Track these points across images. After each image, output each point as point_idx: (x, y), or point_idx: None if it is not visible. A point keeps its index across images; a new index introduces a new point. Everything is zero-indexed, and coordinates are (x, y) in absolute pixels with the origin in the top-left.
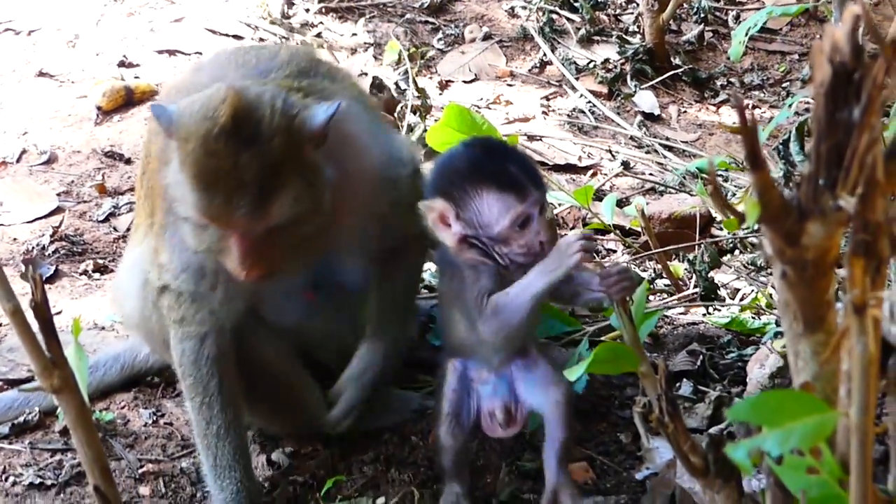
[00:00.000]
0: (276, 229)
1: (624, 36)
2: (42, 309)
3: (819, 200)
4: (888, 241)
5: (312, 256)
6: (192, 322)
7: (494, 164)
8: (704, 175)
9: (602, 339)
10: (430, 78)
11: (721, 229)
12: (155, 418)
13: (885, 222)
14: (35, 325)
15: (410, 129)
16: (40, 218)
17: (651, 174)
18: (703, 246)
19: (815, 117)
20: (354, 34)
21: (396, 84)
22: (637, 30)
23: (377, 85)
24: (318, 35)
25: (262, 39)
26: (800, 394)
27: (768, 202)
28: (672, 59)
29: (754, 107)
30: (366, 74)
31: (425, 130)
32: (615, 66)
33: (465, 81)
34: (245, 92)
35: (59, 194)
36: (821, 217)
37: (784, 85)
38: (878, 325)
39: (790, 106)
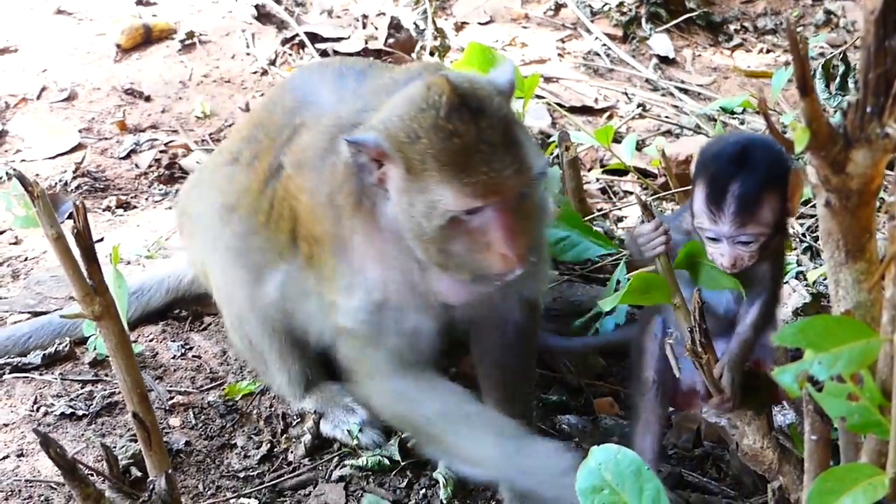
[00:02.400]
0: (523, 201)
1: None
2: (84, 236)
3: (866, 128)
4: None
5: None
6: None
7: (723, 173)
8: (724, 117)
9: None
10: (446, 20)
11: None
12: (183, 351)
13: None
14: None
15: None
16: (62, 154)
17: (667, 117)
18: None
19: (864, 45)
20: None
21: (415, 24)
22: None
23: (395, 25)
24: None
25: None
26: (845, 319)
27: (816, 130)
28: (686, 2)
29: (768, 51)
30: (383, 14)
31: None
32: (630, 9)
33: (480, 23)
34: (443, 75)
35: (80, 131)
36: (867, 144)
37: (798, 30)
38: None
39: (810, 48)
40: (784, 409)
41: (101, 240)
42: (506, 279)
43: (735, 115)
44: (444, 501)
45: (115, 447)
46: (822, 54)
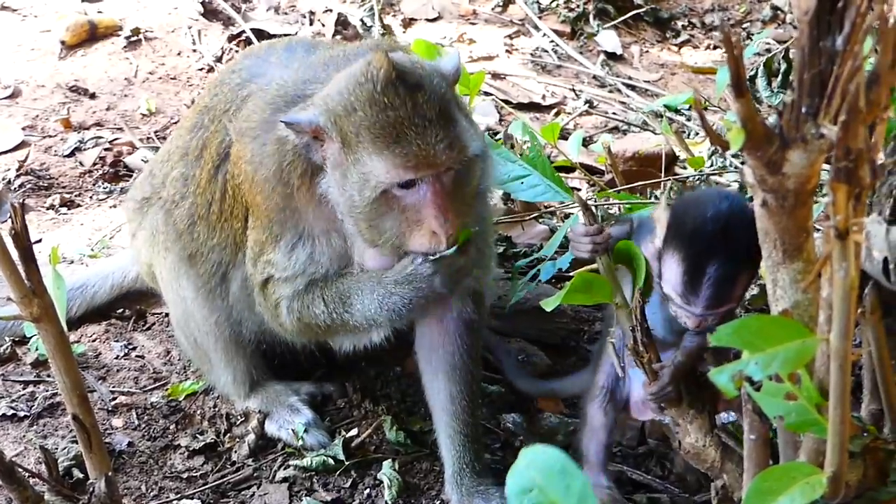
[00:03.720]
0: (459, 182)
1: None
2: (22, 237)
3: (801, 128)
4: (869, 168)
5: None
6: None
7: (702, 253)
8: (670, 114)
9: None
10: (394, 16)
11: (685, 168)
12: (126, 351)
13: (866, 150)
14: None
15: None
16: (5, 152)
17: (614, 113)
18: (669, 183)
19: (799, 46)
20: None
21: (362, 21)
22: None
23: (342, 21)
24: None
25: None
26: (781, 319)
27: (751, 130)
28: None
29: (715, 47)
30: (330, 11)
31: None
32: (578, 6)
33: (428, 20)
34: (385, 52)
35: (23, 128)
36: (803, 145)
37: (745, 26)
38: (858, 252)
39: (755, 44)
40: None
41: (40, 241)
42: (432, 259)
43: (681, 112)
44: (389, 502)
45: (56, 449)
46: (768, 50)
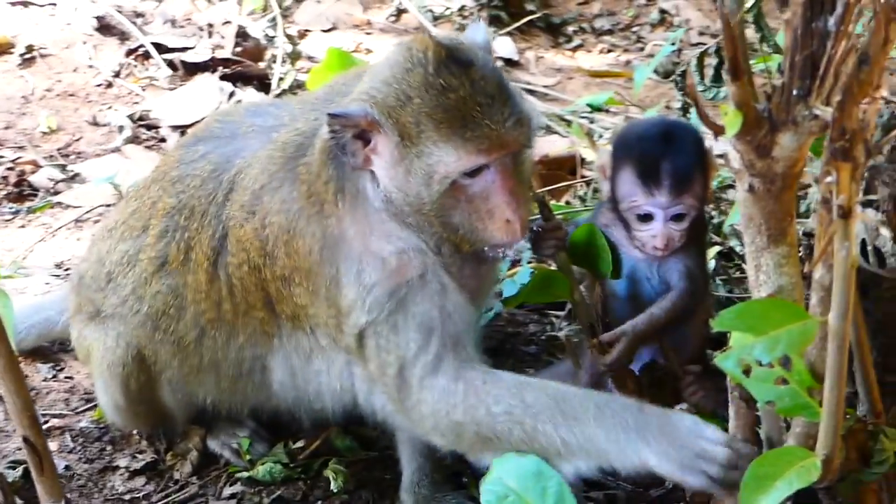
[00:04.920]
0: (520, 160)
1: None
2: None
3: (792, 111)
4: (863, 147)
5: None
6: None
7: (653, 150)
8: (569, 117)
9: None
10: (288, 28)
11: (591, 170)
12: (55, 373)
13: (860, 129)
14: None
15: (280, 78)
16: None
17: None
18: (584, 185)
19: (791, 27)
20: None
21: (265, 32)
22: None
23: (241, 33)
24: None
25: None
26: (782, 302)
27: (745, 114)
28: (525, 4)
29: (609, 51)
30: (229, 23)
31: (296, 78)
32: (471, 13)
33: (323, 30)
34: (421, 34)
35: None
36: (793, 127)
37: (634, 29)
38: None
39: (672, 42)
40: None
41: None
42: (507, 251)
43: (584, 115)
44: (336, 490)
45: None
46: (680, 50)
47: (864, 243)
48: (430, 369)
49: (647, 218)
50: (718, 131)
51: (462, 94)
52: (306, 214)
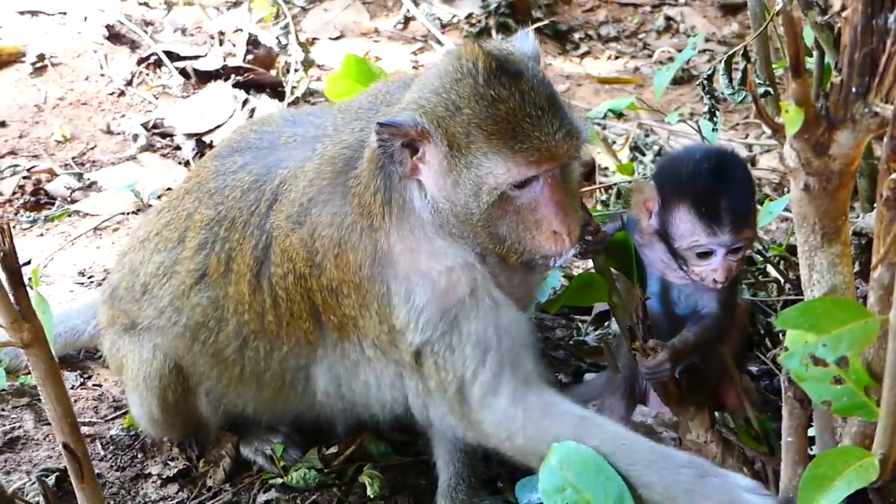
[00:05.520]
0: (568, 171)
1: None
2: (11, 259)
3: (850, 108)
4: None
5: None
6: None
7: (711, 185)
8: (593, 122)
9: None
10: (296, 36)
11: (606, 176)
12: (82, 380)
13: None
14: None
15: (294, 86)
16: None
17: None
18: (602, 190)
19: (850, 25)
20: None
21: (277, 39)
22: None
23: (253, 41)
24: None
25: None
26: (842, 300)
27: (805, 112)
28: (533, 11)
29: (616, 57)
30: (241, 31)
31: (309, 86)
32: (479, 20)
33: (331, 38)
34: (472, 43)
35: None
36: (851, 125)
37: (640, 36)
38: None
39: (692, 46)
40: None
41: None
42: (557, 262)
43: (596, 122)
44: (372, 496)
45: (23, 486)
46: (671, 59)
47: None
48: (489, 389)
49: (707, 255)
50: (778, 129)
51: (512, 106)
52: (358, 228)
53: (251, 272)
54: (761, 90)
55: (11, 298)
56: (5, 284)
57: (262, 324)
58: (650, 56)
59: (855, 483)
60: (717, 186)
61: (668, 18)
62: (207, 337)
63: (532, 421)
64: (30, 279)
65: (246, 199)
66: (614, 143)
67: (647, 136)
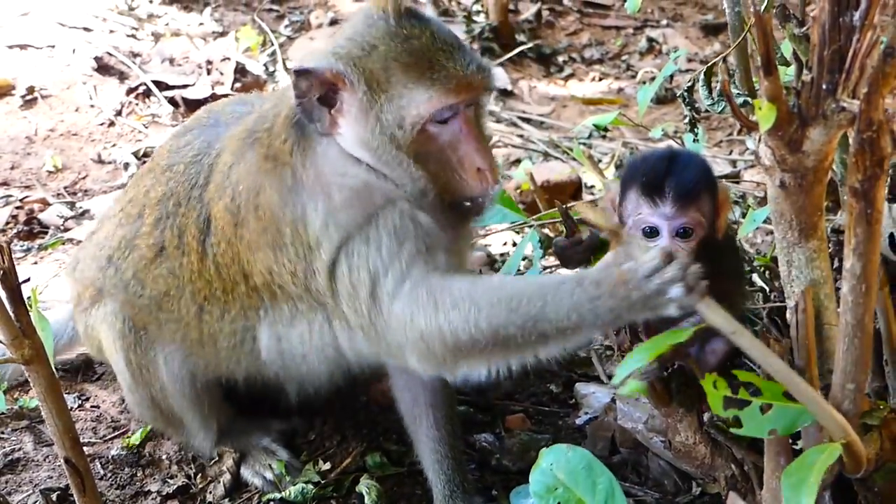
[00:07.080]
0: (479, 115)
1: (469, 16)
2: (11, 277)
3: (821, 105)
4: (889, 137)
5: None
6: None
7: (658, 167)
8: (569, 144)
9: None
10: (284, 63)
11: (593, 194)
12: (80, 402)
13: (887, 120)
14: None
15: None
16: None
17: (515, 147)
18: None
19: (819, 23)
20: (201, 23)
21: (265, 66)
22: (481, 9)
23: (240, 69)
24: (167, 25)
25: (111, 31)
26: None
27: (778, 109)
28: (516, 36)
29: (600, 79)
30: (228, 59)
31: None
32: None
33: None
34: None
35: None
36: (823, 121)
37: (623, 58)
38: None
39: (675, 61)
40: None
41: None
42: (483, 202)
43: (582, 142)
44: None
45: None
46: (654, 79)
47: (892, 237)
48: (400, 278)
49: (653, 233)
50: (752, 127)
51: (425, 42)
52: (266, 170)
53: (197, 242)
54: (740, 100)
55: (12, 316)
56: (5, 302)
57: (212, 290)
58: (633, 77)
59: (823, 467)
60: (663, 166)
61: (650, 40)
62: (170, 305)
63: (434, 296)
64: (29, 298)
65: (188, 173)
66: (600, 161)
67: (631, 153)
